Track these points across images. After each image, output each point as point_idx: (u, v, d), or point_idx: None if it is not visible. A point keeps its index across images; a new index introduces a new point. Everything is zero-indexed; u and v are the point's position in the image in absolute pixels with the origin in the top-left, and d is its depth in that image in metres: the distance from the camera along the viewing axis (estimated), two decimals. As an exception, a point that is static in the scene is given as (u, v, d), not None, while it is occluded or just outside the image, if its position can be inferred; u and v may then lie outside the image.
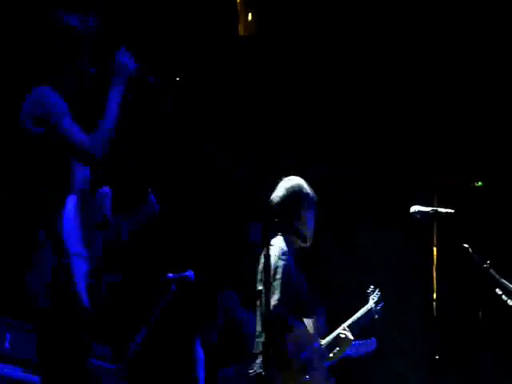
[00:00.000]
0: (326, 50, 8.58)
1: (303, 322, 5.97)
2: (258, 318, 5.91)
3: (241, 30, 7.69)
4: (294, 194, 6.02)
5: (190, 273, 6.36)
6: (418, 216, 6.17)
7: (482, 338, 7.73)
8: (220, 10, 7.89)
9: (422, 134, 8.31)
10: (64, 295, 4.56)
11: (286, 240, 5.95)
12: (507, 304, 5.91)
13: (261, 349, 5.63)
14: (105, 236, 4.93)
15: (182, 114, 5.13)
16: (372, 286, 6.51)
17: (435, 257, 6.93)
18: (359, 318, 6.28)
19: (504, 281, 5.98)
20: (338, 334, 6.02)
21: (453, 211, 6.17)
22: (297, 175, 6.65)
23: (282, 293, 5.76)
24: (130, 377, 6.39)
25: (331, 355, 6.03)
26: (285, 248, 5.92)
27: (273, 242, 5.85)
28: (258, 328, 5.90)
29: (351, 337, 6.06)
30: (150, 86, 4.76)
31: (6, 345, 6.16)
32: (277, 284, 5.81)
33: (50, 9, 4.85)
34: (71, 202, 4.73)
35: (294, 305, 5.88)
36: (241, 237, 7.27)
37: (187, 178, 7.66)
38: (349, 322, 6.20)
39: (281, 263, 5.86)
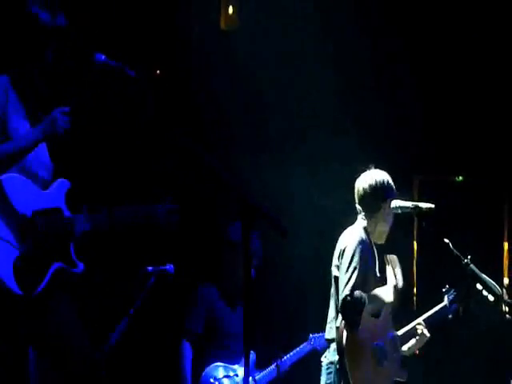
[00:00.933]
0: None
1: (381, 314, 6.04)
2: (332, 304, 5.85)
3: (222, 24, 7.59)
4: (376, 185, 5.98)
5: (169, 266, 6.31)
6: (399, 211, 5.88)
7: (461, 332, 7.60)
8: (202, 2, 7.76)
9: (402, 130, 8.10)
10: None
11: (365, 230, 5.96)
12: (487, 299, 5.75)
13: (334, 335, 5.75)
14: (48, 224, 4.90)
15: (162, 107, 4.99)
16: (447, 286, 6.33)
17: (415, 251, 7.78)
18: (433, 315, 6.20)
19: (484, 276, 5.76)
20: (413, 327, 6.00)
21: (433, 206, 5.85)
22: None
23: (355, 278, 5.74)
24: (110, 367, 6.02)
25: (406, 348, 6.03)
26: (362, 236, 5.85)
27: (349, 229, 5.85)
28: (332, 314, 5.84)
29: (427, 333, 6.03)
30: (130, 79, 4.70)
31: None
32: (350, 269, 5.79)
33: (25, 2, 4.87)
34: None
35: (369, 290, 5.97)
36: (221, 234, 7.10)
37: (171, 175, 7.37)
38: (424, 316, 6.11)
39: (356, 249, 5.79)
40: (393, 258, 6.13)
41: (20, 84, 4.91)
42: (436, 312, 6.12)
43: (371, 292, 5.87)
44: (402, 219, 6.22)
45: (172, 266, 6.35)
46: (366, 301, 5.75)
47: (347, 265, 5.80)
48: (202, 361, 6.87)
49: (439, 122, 8.07)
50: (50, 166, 4.99)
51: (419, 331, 5.95)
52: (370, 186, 5.88)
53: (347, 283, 5.69)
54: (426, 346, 6.37)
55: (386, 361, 5.85)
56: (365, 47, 8.18)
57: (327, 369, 5.74)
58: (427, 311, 6.20)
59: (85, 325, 5.37)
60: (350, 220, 6.10)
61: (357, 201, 5.94)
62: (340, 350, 5.75)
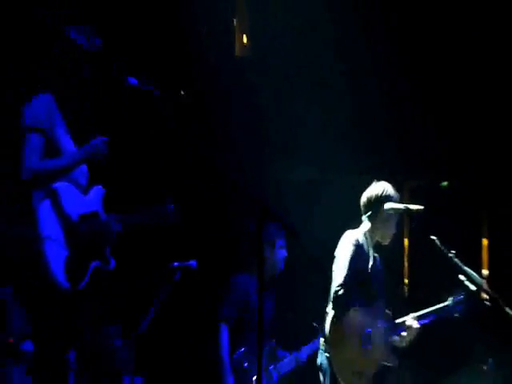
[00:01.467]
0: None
1: (370, 304, 6.40)
2: (330, 298, 6.41)
3: (237, 51, 8.19)
4: (376, 196, 6.59)
5: (193, 262, 6.69)
6: (392, 212, 6.45)
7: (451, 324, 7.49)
8: (220, 31, 8.30)
9: (394, 139, 8.49)
10: (32, 274, 5.17)
11: (367, 233, 6.55)
12: (469, 289, 6.08)
13: (328, 325, 6.29)
14: (91, 227, 5.40)
15: (182, 120, 6.05)
16: (460, 291, 6.71)
17: (406, 247, 7.86)
18: (431, 312, 6.64)
19: (467, 268, 6.09)
20: (404, 321, 6.44)
21: (422, 207, 6.34)
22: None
23: (346, 274, 6.27)
24: (139, 353, 6.85)
25: (397, 339, 6.45)
26: (358, 237, 6.46)
27: (348, 232, 6.43)
28: (329, 307, 6.40)
29: (416, 325, 6.41)
30: (154, 98, 5.06)
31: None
32: (342, 267, 6.30)
33: (64, 26, 5.44)
34: (56, 190, 5.31)
35: (360, 290, 6.40)
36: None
37: (193, 179, 7.83)
38: (419, 313, 6.54)
39: (349, 249, 6.33)
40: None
41: (61, 102, 5.33)
42: (434, 311, 6.61)
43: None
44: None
45: (195, 261, 6.71)
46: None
47: (339, 264, 6.32)
48: (234, 346, 7.16)
49: (428, 136, 8.44)
50: (87, 174, 5.46)
51: (409, 325, 6.44)
52: (370, 196, 6.46)
53: (338, 280, 6.26)
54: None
55: (371, 347, 6.33)
56: (369, 61, 8.52)
57: (323, 349, 6.41)
58: (418, 303, 6.83)
59: (118, 315, 6.77)
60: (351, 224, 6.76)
61: (362, 208, 6.55)
62: (325, 338, 6.41)
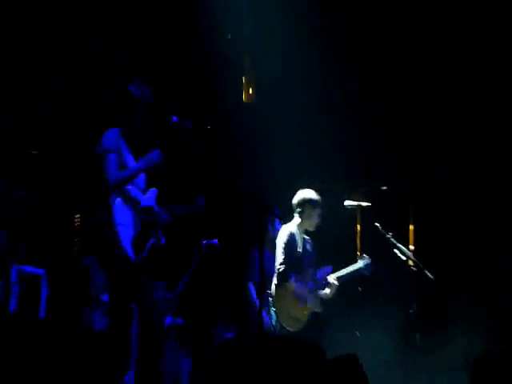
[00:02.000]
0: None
1: (302, 272, 7.56)
2: (275, 271, 7.54)
3: (245, 99, 9.18)
4: (302, 199, 7.66)
5: (215, 240, 8.20)
6: (349, 207, 8.10)
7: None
8: (233, 85, 9.21)
9: (356, 160, 9.39)
10: (109, 249, 6.03)
11: (298, 224, 7.62)
12: (401, 259, 7.62)
13: (273, 289, 7.40)
14: (148, 216, 6.22)
15: (207, 145, 6.27)
16: (364, 255, 7.93)
17: (359, 231, 9.02)
18: (347, 273, 7.73)
19: (400, 245, 7.69)
20: (327, 280, 7.55)
21: (370, 204, 8.08)
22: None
23: (283, 257, 7.49)
24: (180, 304, 8.28)
25: (323, 293, 7.53)
26: (291, 229, 7.63)
27: (285, 225, 7.63)
28: (274, 278, 7.51)
29: (336, 283, 7.51)
30: (189, 129, 6.14)
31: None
32: (280, 252, 7.53)
33: (127, 84, 6.40)
34: (125, 191, 6.08)
35: (294, 265, 7.57)
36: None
37: (214, 184, 8.33)
38: (338, 273, 7.67)
39: (284, 239, 7.57)
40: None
41: (125, 134, 6.27)
42: (350, 272, 7.72)
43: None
44: (350, 213, 8.41)
45: (217, 240, 8.22)
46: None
47: (279, 249, 7.51)
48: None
49: (374, 157, 9.38)
50: (145, 180, 6.37)
51: (331, 283, 7.53)
52: (299, 199, 7.62)
53: (279, 260, 7.47)
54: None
55: (304, 300, 7.47)
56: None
57: (271, 305, 7.47)
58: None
59: (165, 276, 7.83)
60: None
61: (293, 207, 7.64)
62: (272, 297, 7.46)
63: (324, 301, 7.61)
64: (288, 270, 7.48)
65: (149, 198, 6.44)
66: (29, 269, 8.24)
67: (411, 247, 8.73)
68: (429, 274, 7.71)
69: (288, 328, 7.38)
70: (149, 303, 6.52)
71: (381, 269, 8.03)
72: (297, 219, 7.57)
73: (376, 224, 7.77)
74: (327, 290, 7.49)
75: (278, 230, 7.74)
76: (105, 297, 8.10)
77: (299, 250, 7.60)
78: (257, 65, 9.23)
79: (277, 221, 7.98)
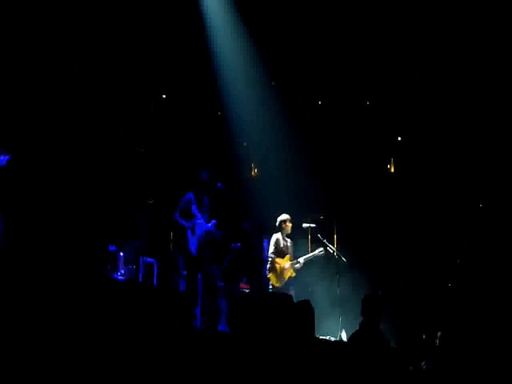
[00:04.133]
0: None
1: (283, 257, 9.06)
2: (267, 258, 8.96)
3: (252, 175, 10.95)
4: (280, 220, 9.13)
5: (238, 244, 10.06)
6: (305, 227, 9.55)
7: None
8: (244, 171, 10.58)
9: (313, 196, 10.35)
10: (186, 249, 7.96)
11: (280, 233, 9.06)
12: (330, 252, 9.06)
13: (268, 269, 8.95)
14: (209, 235, 7.98)
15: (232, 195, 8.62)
16: (321, 247, 9.13)
17: (310, 238, 9.83)
18: (309, 257, 9.23)
19: (330, 245, 9.25)
20: (298, 260, 9.05)
21: (315, 225, 9.53)
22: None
23: (272, 252, 9.12)
24: (223, 274, 9.70)
25: (297, 266, 9.07)
26: (277, 235, 9.06)
27: (274, 234, 9.12)
28: (268, 263, 8.94)
29: (302, 261, 9.03)
30: (219, 188, 8.14)
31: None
32: (271, 246, 9.21)
33: (198, 171, 8.05)
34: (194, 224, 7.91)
35: (279, 252, 9.13)
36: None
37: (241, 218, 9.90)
38: (305, 256, 9.20)
39: (273, 240, 9.17)
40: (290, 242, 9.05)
41: (195, 195, 8.12)
42: (311, 255, 9.21)
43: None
44: (305, 229, 9.53)
45: (240, 244, 9.98)
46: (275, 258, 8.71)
47: (270, 246, 9.01)
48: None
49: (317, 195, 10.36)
50: (208, 215, 8.17)
51: (300, 261, 9.08)
52: (279, 219, 9.15)
53: (270, 251, 9.04)
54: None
55: (284, 270, 8.97)
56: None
57: (268, 278, 8.92)
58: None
59: (215, 263, 8.99)
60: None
61: (276, 223, 9.10)
62: (268, 275, 8.98)
63: (296, 269, 9.17)
64: (275, 257, 9.14)
65: (210, 225, 8.58)
66: (147, 259, 9.74)
67: (334, 246, 9.68)
68: (343, 259, 9.30)
69: (276, 285, 9.00)
70: (208, 276, 8.59)
71: (322, 256, 9.41)
72: (279, 230, 9.25)
73: (318, 235, 9.51)
74: (297, 265, 9.24)
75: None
76: (184, 272, 9.43)
77: (282, 246, 9.27)
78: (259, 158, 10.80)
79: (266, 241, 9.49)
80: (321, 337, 7.62)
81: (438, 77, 9.86)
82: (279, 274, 9.13)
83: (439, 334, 6.27)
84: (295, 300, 6.18)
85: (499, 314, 8.21)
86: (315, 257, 9.30)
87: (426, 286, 9.97)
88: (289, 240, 9.21)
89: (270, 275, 9.18)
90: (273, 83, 10.39)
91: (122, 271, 9.47)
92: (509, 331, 6.83)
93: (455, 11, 9.04)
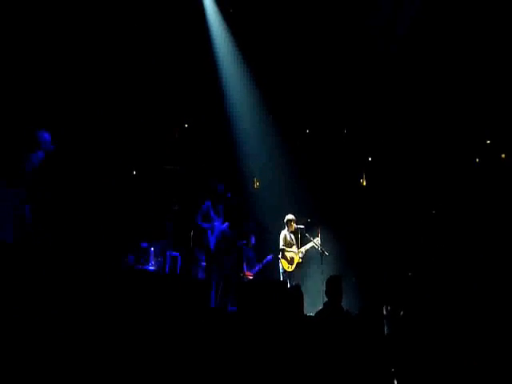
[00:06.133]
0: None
1: (291, 247, 9.40)
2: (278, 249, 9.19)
3: (255, 188, 10.82)
4: (287, 219, 9.34)
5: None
6: (296, 228, 9.83)
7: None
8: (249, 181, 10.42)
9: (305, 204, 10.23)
10: (202, 244, 8.10)
11: (287, 229, 9.44)
12: (316, 245, 9.32)
13: (280, 256, 9.31)
14: (224, 234, 7.99)
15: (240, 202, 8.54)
16: (318, 238, 9.29)
17: (300, 236, 9.77)
18: (309, 247, 9.48)
19: (313, 239, 9.53)
20: (301, 249, 9.33)
21: (303, 226, 9.81)
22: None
23: (282, 244, 9.61)
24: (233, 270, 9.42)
25: (301, 255, 9.23)
26: (285, 232, 9.51)
27: (282, 230, 9.46)
28: (280, 252, 9.20)
29: (304, 250, 9.25)
30: (227, 197, 8.30)
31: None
32: (280, 240, 9.52)
33: (216, 184, 7.93)
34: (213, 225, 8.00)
35: (287, 244, 9.53)
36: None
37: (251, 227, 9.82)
38: (305, 247, 9.54)
39: (282, 236, 9.56)
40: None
41: (212, 203, 8.31)
42: (310, 246, 9.51)
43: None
44: (298, 230, 9.67)
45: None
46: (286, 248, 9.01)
47: (280, 240, 9.40)
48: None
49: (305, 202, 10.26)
50: (223, 218, 8.31)
51: (303, 250, 9.53)
52: (286, 218, 9.55)
53: (280, 244, 9.48)
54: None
55: (292, 257, 9.42)
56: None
57: (279, 263, 9.28)
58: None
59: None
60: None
61: (284, 221, 9.44)
62: (280, 259, 9.39)
63: (300, 257, 9.44)
64: (284, 248, 9.55)
65: (224, 226, 8.79)
66: (173, 253, 9.82)
67: (319, 243, 9.85)
68: (326, 253, 9.68)
69: (288, 270, 9.29)
70: (222, 264, 8.69)
71: (318, 244, 9.44)
72: (285, 227, 9.64)
73: (306, 234, 9.94)
74: (300, 254, 9.69)
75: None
76: (203, 263, 9.66)
77: (288, 239, 9.72)
78: (260, 173, 10.83)
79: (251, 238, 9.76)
80: (308, 314, 7.38)
81: (399, 112, 10.55)
82: (289, 260, 9.58)
83: (401, 312, 6.25)
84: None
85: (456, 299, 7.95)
86: (312, 247, 9.71)
87: (389, 272, 10.15)
88: (292, 235, 9.73)
89: (282, 262, 9.64)
90: (271, 116, 10.90)
91: (153, 262, 9.60)
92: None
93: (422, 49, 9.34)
